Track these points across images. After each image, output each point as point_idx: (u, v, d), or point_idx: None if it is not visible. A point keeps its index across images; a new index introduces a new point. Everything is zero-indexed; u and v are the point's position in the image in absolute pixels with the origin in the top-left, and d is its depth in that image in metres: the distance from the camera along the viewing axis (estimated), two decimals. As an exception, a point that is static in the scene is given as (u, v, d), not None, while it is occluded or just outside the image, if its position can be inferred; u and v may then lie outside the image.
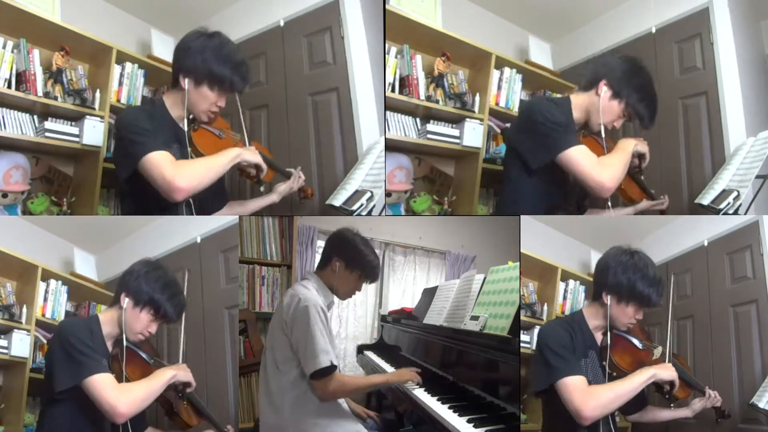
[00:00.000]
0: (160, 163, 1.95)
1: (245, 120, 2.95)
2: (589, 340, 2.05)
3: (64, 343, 1.87)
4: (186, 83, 2.07)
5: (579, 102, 2.21)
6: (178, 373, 2.01)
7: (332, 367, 1.96)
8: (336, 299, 2.23)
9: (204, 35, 2.10)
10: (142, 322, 1.98)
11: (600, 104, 2.15)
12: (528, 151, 2.17)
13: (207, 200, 2.23)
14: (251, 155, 2.17)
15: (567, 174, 2.16)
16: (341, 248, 2.20)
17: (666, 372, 1.98)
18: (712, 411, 2.31)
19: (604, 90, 2.15)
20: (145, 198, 2.07)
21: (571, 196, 2.30)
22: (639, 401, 2.28)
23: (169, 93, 2.17)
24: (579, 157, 2.09)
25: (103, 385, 1.83)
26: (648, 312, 2.87)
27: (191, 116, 2.15)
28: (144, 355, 2.02)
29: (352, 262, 2.18)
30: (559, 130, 2.11)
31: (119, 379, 1.91)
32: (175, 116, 2.12)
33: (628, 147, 2.18)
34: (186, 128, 2.11)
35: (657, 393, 2.13)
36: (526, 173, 2.19)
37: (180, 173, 1.95)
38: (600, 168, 2.09)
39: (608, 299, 2.00)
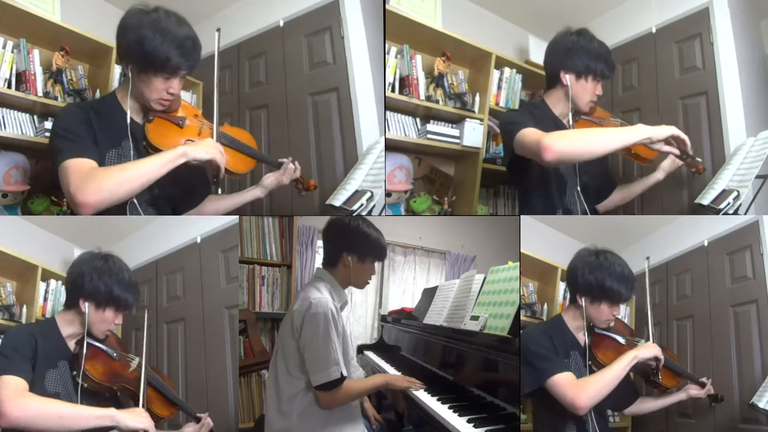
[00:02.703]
0: (69, 172, 1.72)
1: (244, 120, 2.97)
2: (571, 342, 2.08)
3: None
4: (129, 70, 1.84)
5: (555, 99, 2.27)
6: (127, 419, 1.80)
7: (341, 379, 1.90)
8: (349, 298, 2.16)
9: (141, 11, 1.84)
10: (106, 321, 1.90)
11: (572, 91, 2.21)
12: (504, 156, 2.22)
13: (178, 197, 2.05)
14: (202, 150, 1.83)
15: (551, 174, 2.19)
16: (349, 242, 2.07)
17: (647, 350, 2.02)
18: (706, 398, 2.36)
19: (567, 78, 2.21)
20: None
21: (562, 195, 2.27)
22: (630, 394, 2.31)
23: (121, 83, 1.96)
24: (523, 137, 2.05)
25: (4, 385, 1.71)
26: (647, 312, 2.88)
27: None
28: (108, 350, 1.94)
29: (364, 251, 2.08)
30: (513, 128, 2.11)
31: (81, 378, 1.84)
32: (127, 108, 1.90)
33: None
34: (133, 119, 1.89)
35: (646, 382, 2.16)
36: (520, 179, 2.28)
37: (85, 186, 1.68)
38: (546, 135, 1.98)
39: (582, 300, 2.05)
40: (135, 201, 1.85)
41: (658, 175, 2.43)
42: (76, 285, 1.89)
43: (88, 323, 1.88)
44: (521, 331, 2.00)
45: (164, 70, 1.82)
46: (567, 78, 2.21)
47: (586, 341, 2.06)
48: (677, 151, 2.03)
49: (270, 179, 2.23)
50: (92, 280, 1.87)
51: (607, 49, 2.24)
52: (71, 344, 1.91)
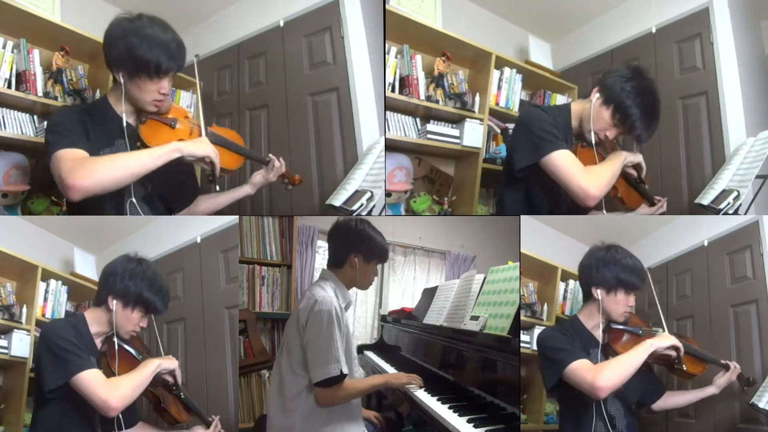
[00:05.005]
0: (61, 160, 1.79)
1: (244, 120, 2.97)
2: (589, 340, 2.09)
3: (49, 343, 1.86)
4: (120, 76, 1.91)
5: (577, 109, 2.19)
6: (162, 362, 2.00)
7: (342, 377, 1.91)
8: (353, 298, 2.20)
9: (125, 19, 1.92)
10: (132, 321, 1.98)
11: (591, 111, 2.10)
12: (515, 152, 2.16)
13: (171, 195, 2.14)
14: (196, 147, 1.93)
15: (555, 183, 2.10)
16: (357, 243, 2.11)
17: (664, 340, 2.03)
18: (736, 383, 2.37)
19: (596, 96, 2.10)
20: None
21: (559, 206, 2.24)
22: (657, 388, 2.32)
23: (111, 88, 2.04)
24: (562, 162, 2.03)
25: (93, 382, 1.82)
26: (649, 311, 2.88)
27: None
28: (133, 352, 2.01)
29: (370, 253, 2.12)
30: (546, 137, 2.06)
31: (108, 376, 1.90)
32: (120, 111, 1.96)
33: (619, 158, 2.14)
34: (127, 122, 1.95)
35: (671, 371, 2.17)
36: (516, 177, 2.18)
37: (77, 171, 1.76)
38: (586, 175, 2.03)
39: (598, 293, 2.08)
40: (134, 200, 1.94)
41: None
42: (107, 282, 1.97)
43: (115, 322, 1.95)
44: (540, 326, 2.01)
45: (155, 73, 1.89)
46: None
47: (607, 337, 2.09)
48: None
49: (258, 177, 2.30)
50: (123, 279, 1.95)
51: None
52: (98, 342, 1.97)
